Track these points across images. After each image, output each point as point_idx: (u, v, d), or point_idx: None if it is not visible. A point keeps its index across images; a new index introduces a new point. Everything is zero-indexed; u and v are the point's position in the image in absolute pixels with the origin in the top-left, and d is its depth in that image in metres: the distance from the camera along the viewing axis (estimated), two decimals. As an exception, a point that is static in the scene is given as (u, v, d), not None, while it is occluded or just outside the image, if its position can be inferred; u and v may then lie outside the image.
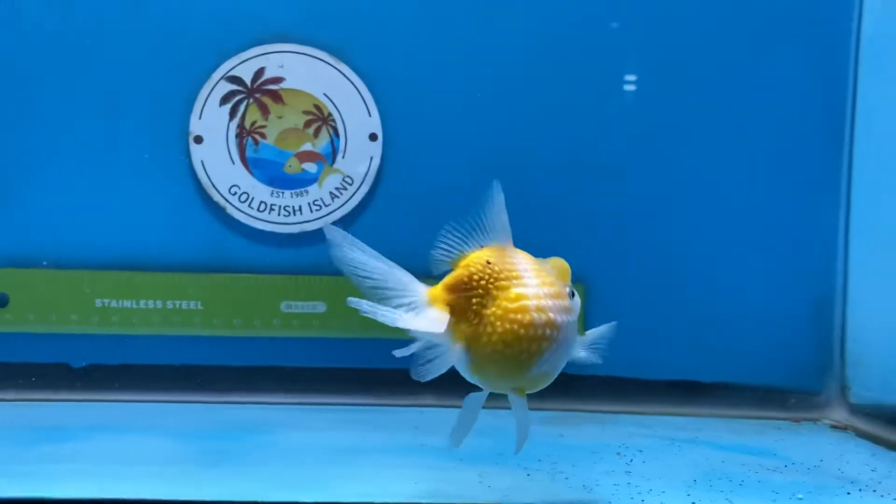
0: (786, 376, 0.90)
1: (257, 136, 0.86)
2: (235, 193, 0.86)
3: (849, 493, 0.65)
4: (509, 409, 0.81)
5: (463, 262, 0.55)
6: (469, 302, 0.54)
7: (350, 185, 0.87)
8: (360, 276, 0.54)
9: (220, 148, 0.86)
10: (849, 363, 0.89)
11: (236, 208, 0.86)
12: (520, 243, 0.58)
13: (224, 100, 0.86)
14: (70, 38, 0.84)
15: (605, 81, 0.89)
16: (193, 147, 0.86)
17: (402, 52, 0.87)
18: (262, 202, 0.87)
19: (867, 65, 0.88)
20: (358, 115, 0.87)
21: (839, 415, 0.88)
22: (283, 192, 0.87)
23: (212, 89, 0.86)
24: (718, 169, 0.89)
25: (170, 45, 0.85)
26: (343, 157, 0.87)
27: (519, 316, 0.54)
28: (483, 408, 0.59)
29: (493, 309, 0.54)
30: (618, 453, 0.72)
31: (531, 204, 0.84)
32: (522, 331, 0.54)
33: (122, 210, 0.85)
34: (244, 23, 0.86)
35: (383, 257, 0.55)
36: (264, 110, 0.86)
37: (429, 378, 0.53)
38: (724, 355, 0.90)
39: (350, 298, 0.53)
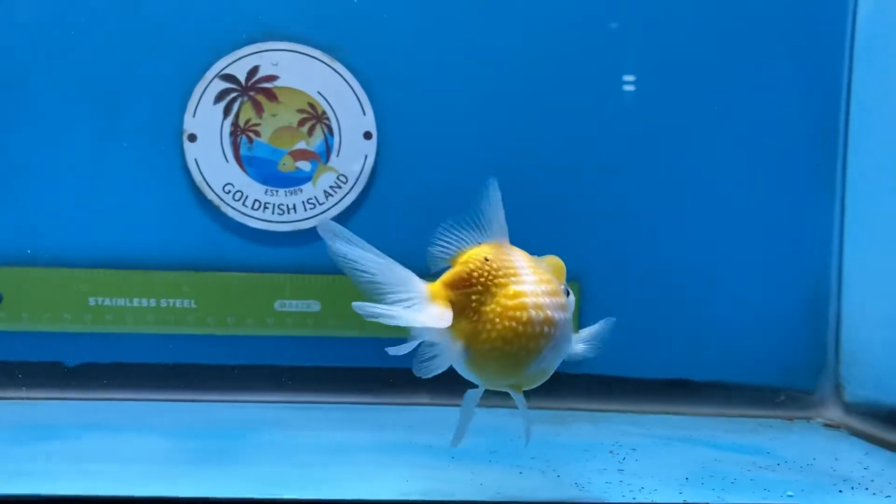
0: (780, 375, 0.90)
1: (251, 135, 0.86)
2: (229, 192, 0.86)
3: (841, 492, 0.65)
4: (505, 407, 0.81)
5: (461, 259, 0.55)
6: (468, 299, 0.54)
7: (344, 183, 0.87)
8: (358, 271, 0.54)
9: (213, 146, 0.86)
10: (843, 362, 0.89)
11: (230, 206, 0.86)
12: (515, 241, 0.58)
13: (218, 98, 0.86)
14: (64, 36, 0.84)
15: (601, 81, 0.89)
16: (187, 145, 0.86)
17: (396, 51, 0.87)
18: (256, 200, 0.86)
19: (861, 64, 0.88)
20: (352, 113, 0.87)
21: (833, 414, 0.88)
22: (277, 191, 0.87)
23: (206, 87, 0.86)
24: (713, 168, 0.89)
25: (164, 43, 0.85)
26: (337, 156, 0.87)
27: (518, 313, 0.54)
28: (477, 406, 0.59)
29: (492, 306, 0.54)
30: (611, 452, 0.73)
31: (526, 202, 0.84)
32: (521, 328, 0.54)
33: (115, 208, 0.85)
34: (238, 21, 0.86)
35: (381, 253, 0.54)
36: (258, 108, 0.86)
37: (430, 375, 0.53)
38: (718, 354, 0.90)
39: (355, 303, 0.52)
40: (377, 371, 0.86)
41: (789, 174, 0.90)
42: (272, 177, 0.87)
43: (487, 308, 0.54)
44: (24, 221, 0.85)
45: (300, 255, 0.87)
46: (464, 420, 0.58)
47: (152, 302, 0.85)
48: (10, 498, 0.56)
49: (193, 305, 0.85)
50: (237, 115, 0.86)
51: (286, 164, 0.87)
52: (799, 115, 0.90)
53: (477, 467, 0.67)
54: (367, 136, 0.87)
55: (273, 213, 0.87)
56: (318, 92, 0.86)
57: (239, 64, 0.86)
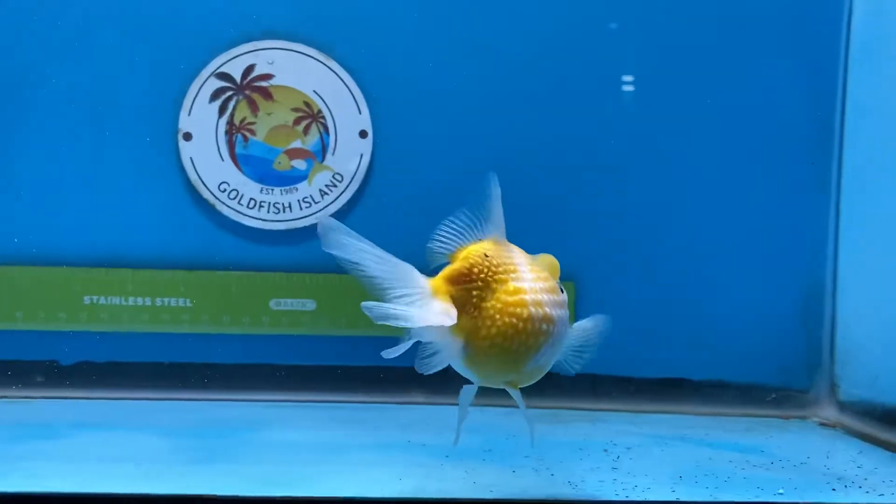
0: (775, 374, 0.90)
1: (247, 133, 0.86)
2: (225, 190, 0.86)
3: (834, 490, 0.65)
4: (499, 406, 0.81)
5: (461, 255, 0.55)
6: (469, 294, 0.54)
7: (340, 182, 0.87)
8: (358, 267, 0.53)
9: (209, 145, 0.86)
10: (838, 361, 0.89)
11: (225, 205, 0.86)
12: (511, 240, 0.58)
13: (213, 96, 0.86)
14: (60, 34, 0.84)
15: (597, 80, 0.89)
16: (182, 144, 0.86)
17: (392, 49, 0.87)
18: (251, 199, 0.87)
19: (857, 64, 0.88)
20: (348, 112, 0.87)
21: (828, 412, 0.88)
22: (272, 189, 0.87)
23: (201, 86, 0.86)
24: (709, 168, 0.89)
25: (159, 41, 0.85)
26: (333, 154, 0.87)
27: (518, 310, 0.54)
28: (472, 405, 0.59)
29: (492, 302, 0.54)
30: (605, 450, 0.73)
31: (521, 201, 0.83)
32: (521, 325, 0.54)
33: (110, 207, 0.85)
34: (234, 19, 0.86)
35: (381, 249, 0.54)
36: (254, 107, 0.86)
37: (432, 371, 0.53)
38: (714, 353, 0.90)
39: (364, 303, 0.51)
40: (372, 370, 0.86)
41: (785, 174, 0.90)
42: (268, 175, 0.87)
43: (487, 304, 0.54)
44: (18, 220, 0.85)
45: (296, 253, 0.87)
46: (460, 417, 0.58)
47: (147, 301, 0.85)
48: (4, 496, 0.57)
49: (189, 304, 0.85)
50: (232, 114, 0.86)
51: (282, 163, 0.87)
52: (794, 116, 0.90)
53: (471, 465, 0.67)
54: (363, 134, 0.87)
55: (268, 212, 0.87)
56: (314, 91, 0.87)
57: (234, 62, 0.86)
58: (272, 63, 0.86)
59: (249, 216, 0.87)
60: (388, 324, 0.51)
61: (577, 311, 0.87)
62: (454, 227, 0.56)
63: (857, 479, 0.68)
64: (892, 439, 0.79)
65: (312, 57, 0.86)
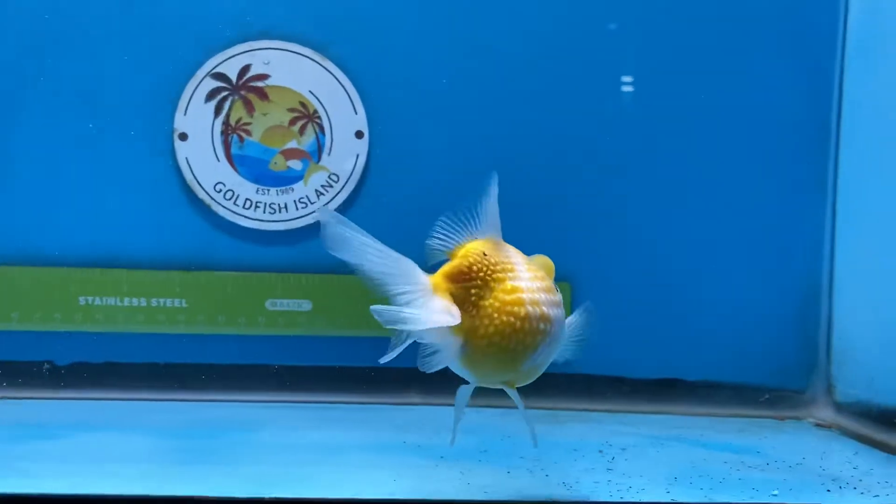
0: (771, 374, 0.90)
1: (242, 134, 0.86)
2: (220, 191, 0.86)
3: (829, 491, 0.65)
4: (495, 406, 0.81)
5: (460, 253, 0.55)
6: (468, 293, 0.53)
7: (336, 182, 0.87)
8: (359, 259, 0.52)
9: (205, 145, 0.86)
10: (834, 361, 0.89)
11: (221, 206, 0.86)
12: (506, 241, 0.58)
13: (209, 96, 0.86)
14: (55, 33, 0.84)
15: (594, 81, 0.89)
16: (178, 144, 0.86)
17: (388, 50, 0.87)
18: (247, 199, 0.86)
19: (853, 64, 0.88)
20: (344, 112, 0.87)
21: (824, 413, 0.88)
22: (268, 190, 0.87)
23: (197, 86, 0.85)
24: (705, 168, 0.89)
25: (155, 41, 0.85)
26: (329, 155, 0.87)
27: (515, 308, 0.54)
28: (468, 405, 0.59)
29: (491, 301, 0.53)
30: (600, 451, 0.72)
31: (517, 202, 0.84)
32: (519, 323, 0.53)
33: (106, 207, 0.85)
34: (230, 19, 0.86)
35: (382, 244, 0.53)
36: (250, 107, 0.86)
37: (434, 369, 0.53)
38: (709, 353, 0.90)
39: (373, 307, 0.51)
40: (368, 370, 0.86)
41: (781, 175, 0.90)
42: (263, 176, 0.87)
43: (486, 303, 0.53)
44: (13, 220, 0.84)
45: (291, 254, 0.87)
46: (457, 418, 0.58)
47: (143, 301, 0.85)
48: (0, 497, 0.57)
49: (184, 305, 0.85)
50: (228, 114, 0.86)
51: (277, 164, 0.87)
52: (791, 117, 0.89)
53: (466, 466, 0.67)
54: (359, 135, 0.87)
55: (264, 213, 0.87)
56: (310, 91, 0.86)
57: (230, 62, 0.86)
58: (268, 63, 0.86)
59: (245, 216, 0.86)
60: (396, 327, 0.51)
61: (572, 312, 0.87)
62: (452, 224, 0.56)
63: (853, 480, 0.68)
64: (888, 440, 0.79)
65: (308, 57, 0.86)
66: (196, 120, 0.86)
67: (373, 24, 0.87)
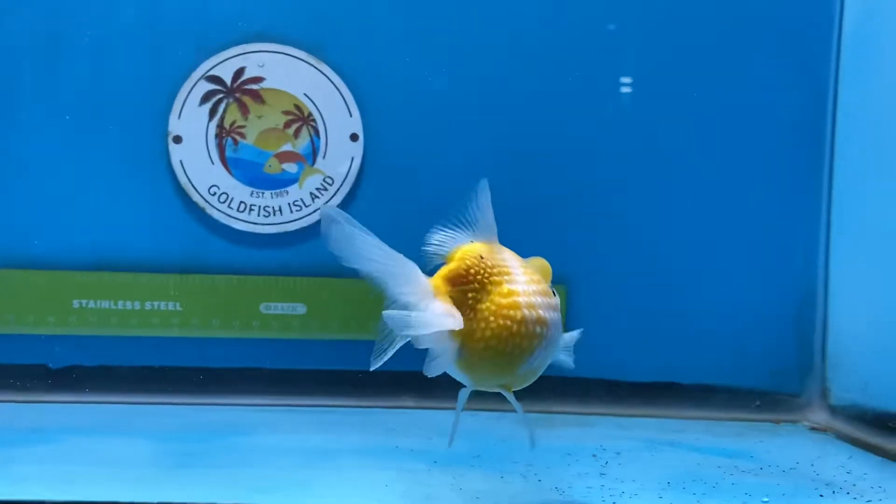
0: (766, 378, 0.90)
1: (237, 136, 0.86)
2: (215, 194, 0.86)
3: (822, 496, 0.64)
4: (490, 410, 0.81)
5: (457, 256, 0.55)
6: (465, 296, 0.53)
7: (331, 185, 0.87)
8: (360, 260, 0.52)
9: (199, 148, 0.86)
10: (829, 365, 0.89)
11: (216, 209, 0.86)
12: (502, 244, 0.58)
13: (204, 99, 0.86)
14: (50, 36, 0.84)
15: (589, 83, 0.88)
16: (173, 147, 0.85)
17: (383, 52, 0.87)
18: (241, 202, 0.86)
19: (848, 66, 0.88)
20: (338, 115, 0.87)
21: (819, 417, 0.88)
22: (263, 193, 0.87)
23: (191, 89, 0.85)
24: (700, 171, 0.89)
25: (149, 43, 0.85)
26: (324, 158, 0.87)
27: (512, 312, 0.53)
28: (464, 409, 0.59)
29: (487, 304, 0.53)
30: (594, 455, 0.72)
31: (513, 204, 0.84)
32: (515, 327, 0.53)
33: (100, 210, 0.85)
34: (224, 22, 0.86)
35: (385, 244, 0.53)
36: (244, 110, 0.86)
37: (436, 373, 0.53)
38: (704, 357, 0.90)
39: (386, 312, 0.51)
40: (362, 374, 0.86)
41: (776, 178, 0.90)
42: (258, 179, 0.86)
43: (482, 306, 0.53)
44: (8, 224, 0.84)
45: (286, 257, 0.87)
46: (455, 419, 0.58)
47: (137, 304, 0.85)
48: (-7, 501, 0.57)
49: (178, 308, 0.85)
50: (223, 117, 0.86)
51: (272, 166, 0.87)
52: (786, 116, 0.89)
53: (459, 471, 0.66)
54: (354, 137, 0.87)
55: (259, 216, 0.87)
56: (305, 94, 0.86)
57: (225, 65, 0.86)
58: (262, 66, 0.86)
59: (240, 219, 0.86)
60: (407, 333, 0.51)
61: (569, 314, 0.87)
62: (449, 228, 0.55)
63: (846, 485, 0.67)
64: (883, 444, 0.78)
65: (303, 60, 0.86)
66: (190, 123, 0.85)
67: (367, 26, 0.87)
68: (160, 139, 0.85)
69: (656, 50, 0.89)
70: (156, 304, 0.85)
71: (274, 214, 0.87)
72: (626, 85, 0.89)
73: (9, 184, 0.84)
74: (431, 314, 0.51)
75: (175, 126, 0.85)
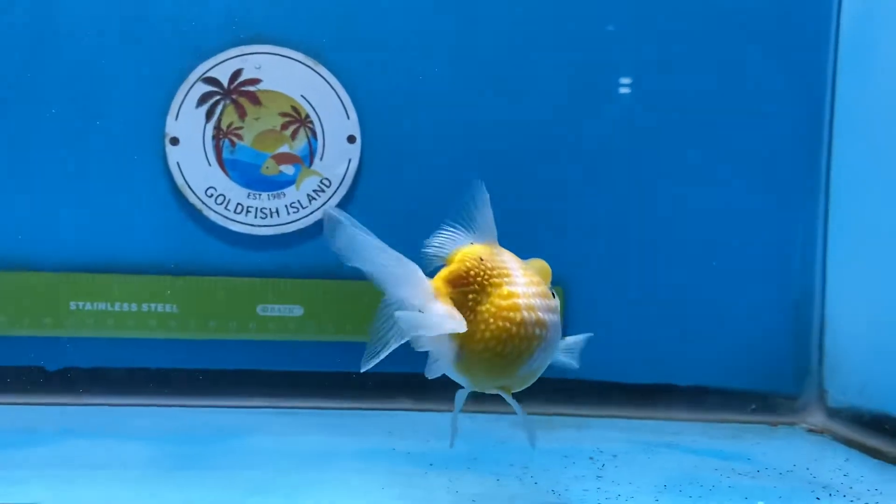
0: (764, 380, 0.90)
1: (234, 138, 0.86)
2: (212, 195, 0.86)
3: (818, 499, 0.64)
4: (487, 412, 0.81)
5: (456, 258, 0.55)
6: (465, 298, 0.53)
7: (328, 187, 0.87)
8: (363, 261, 0.52)
9: (196, 149, 0.86)
10: (826, 367, 0.89)
11: (213, 210, 0.86)
12: (500, 245, 0.58)
13: (201, 101, 0.86)
14: (47, 37, 0.84)
15: (587, 86, 0.89)
16: (169, 148, 0.85)
17: (380, 55, 0.87)
18: (238, 204, 0.86)
19: (845, 67, 0.88)
20: (336, 117, 0.87)
21: (816, 419, 0.88)
22: (260, 195, 0.86)
23: (188, 90, 0.85)
24: (697, 174, 0.89)
25: (146, 45, 0.85)
26: (321, 160, 0.87)
27: (511, 314, 0.53)
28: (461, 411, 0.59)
29: (487, 306, 0.53)
30: (591, 458, 0.72)
31: (511, 206, 0.84)
32: (515, 329, 0.53)
33: (97, 212, 0.85)
34: (221, 24, 0.85)
35: (387, 246, 0.53)
36: (241, 112, 0.86)
37: (437, 375, 0.53)
38: (702, 359, 0.90)
39: (398, 313, 0.51)
40: (360, 376, 0.85)
41: (773, 180, 0.90)
42: (255, 180, 0.86)
43: (482, 308, 0.53)
44: (4, 225, 0.84)
45: (283, 259, 0.87)
46: (454, 421, 0.58)
47: (133, 306, 0.85)
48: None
49: (175, 310, 0.85)
50: (220, 119, 0.86)
51: (269, 168, 0.86)
52: (783, 118, 0.89)
53: (455, 474, 0.66)
54: (351, 139, 0.87)
55: (256, 217, 0.86)
56: (302, 95, 0.86)
57: (222, 67, 0.85)
58: (259, 68, 0.86)
59: (237, 221, 0.86)
60: (416, 334, 0.51)
61: (566, 316, 0.87)
62: (449, 230, 0.55)
63: (843, 487, 0.67)
64: (880, 446, 0.78)
65: (300, 61, 0.86)
66: (187, 124, 0.85)
67: (365, 28, 0.86)
68: (157, 141, 0.85)
69: (655, 52, 0.89)
70: (152, 305, 0.85)
71: (271, 216, 0.87)
72: (623, 87, 0.89)
73: (5, 185, 0.84)
74: (437, 316, 0.51)
75: (172, 128, 0.85)
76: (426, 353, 0.53)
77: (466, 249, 0.55)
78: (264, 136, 0.86)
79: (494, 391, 0.57)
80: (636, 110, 0.89)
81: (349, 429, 0.79)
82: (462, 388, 0.57)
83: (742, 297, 0.89)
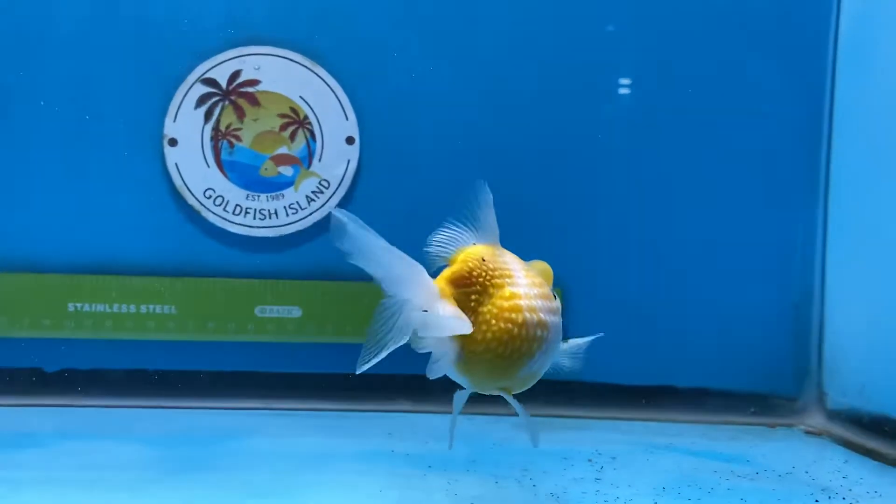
0: (763, 382, 0.89)
1: (232, 139, 0.86)
2: (210, 197, 0.86)
3: (817, 501, 0.64)
4: (486, 414, 0.81)
5: (459, 258, 0.54)
6: (468, 298, 0.53)
7: (326, 188, 0.87)
8: (368, 261, 0.51)
9: (194, 151, 0.85)
10: (826, 369, 0.88)
11: (211, 212, 0.86)
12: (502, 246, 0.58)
13: (199, 102, 0.85)
14: (45, 38, 0.84)
15: (586, 87, 0.88)
16: (168, 150, 0.85)
17: (379, 56, 0.87)
18: (237, 205, 0.86)
19: (845, 68, 0.88)
20: (334, 118, 0.86)
21: (815, 421, 0.88)
22: (258, 196, 0.86)
23: (187, 92, 0.85)
24: (697, 175, 0.89)
25: (145, 47, 0.85)
26: (320, 161, 0.87)
27: (513, 315, 0.53)
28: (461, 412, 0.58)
29: (489, 307, 0.53)
30: (589, 460, 0.72)
31: (509, 208, 0.84)
32: (516, 330, 0.53)
33: (95, 213, 0.85)
34: (220, 25, 0.85)
35: (393, 246, 0.52)
36: (240, 113, 0.86)
37: (438, 375, 0.52)
38: (701, 360, 0.89)
39: (410, 313, 0.50)
40: (358, 377, 0.85)
41: (773, 181, 0.90)
42: (254, 182, 0.86)
43: (484, 309, 0.53)
44: (3, 227, 0.84)
45: (281, 260, 0.87)
46: (453, 422, 0.58)
47: (132, 308, 0.84)
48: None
49: (174, 311, 0.85)
50: (218, 120, 0.86)
51: (268, 169, 0.86)
52: (783, 119, 0.89)
53: (454, 476, 0.66)
54: (350, 140, 0.87)
55: (254, 219, 0.86)
56: (300, 97, 0.86)
57: (220, 68, 0.85)
58: (258, 69, 0.86)
59: (235, 223, 0.86)
60: (427, 335, 0.51)
61: (565, 318, 0.86)
62: (451, 230, 0.55)
63: (842, 489, 0.67)
64: (879, 448, 0.78)
65: (299, 63, 0.86)
66: (186, 125, 0.85)
67: (363, 30, 0.86)
68: (156, 142, 0.85)
69: (655, 53, 0.89)
70: (151, 307, 0.85)
71: (269, 217, 0.86)
72: (623, 87, 0.89)
73: (4, 187, 0.84)
74: (445, 317, 0.51)
75: (170, 129, 0.85)
76: (425, 355, 0.53)
77: (469, 250, 0.55)
78: (263, 137, 0.86)
79: (495, 392, 0.57)
80: (636, 110, 0.89)
81: (348, 430, 0.79)
82: (460, 389, 0.57)
83: (741, 298, 0.89)
